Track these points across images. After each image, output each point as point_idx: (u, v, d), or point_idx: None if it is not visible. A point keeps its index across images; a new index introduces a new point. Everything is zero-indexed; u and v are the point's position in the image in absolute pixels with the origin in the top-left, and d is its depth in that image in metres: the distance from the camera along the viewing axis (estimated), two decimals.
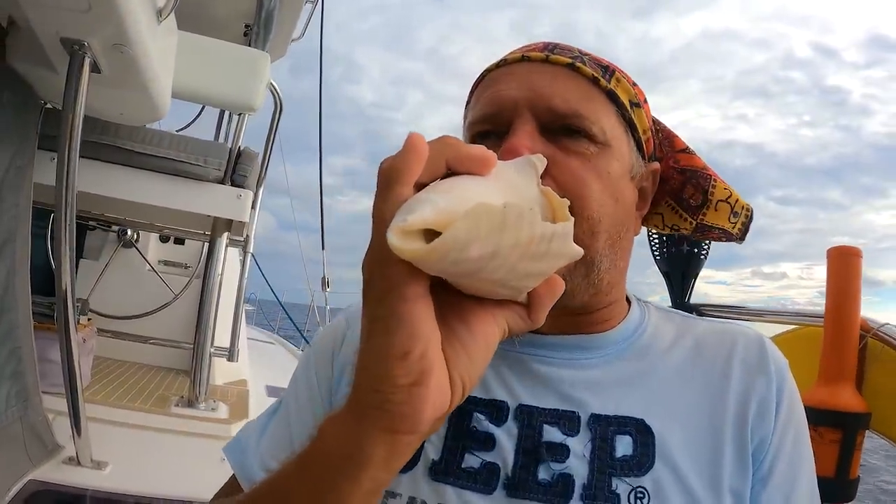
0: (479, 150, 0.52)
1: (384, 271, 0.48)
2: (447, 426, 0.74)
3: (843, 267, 1.69)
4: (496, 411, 0.74)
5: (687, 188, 0.88)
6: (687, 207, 0.89)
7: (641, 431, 0.71)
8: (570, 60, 0.76)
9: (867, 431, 1.64)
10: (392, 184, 0.48)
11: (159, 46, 1.99)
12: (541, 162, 0.59)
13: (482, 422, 0.74)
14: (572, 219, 0.52)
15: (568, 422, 0.72)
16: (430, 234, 0.44)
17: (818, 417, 1.61)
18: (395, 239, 0.43)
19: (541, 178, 0.60)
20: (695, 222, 0.89)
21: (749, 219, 0.89)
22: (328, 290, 6.95)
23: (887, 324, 1.64)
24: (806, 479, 0.74)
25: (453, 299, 0.54)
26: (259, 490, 0.61)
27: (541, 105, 0.73)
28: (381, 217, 0.47)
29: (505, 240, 0.45)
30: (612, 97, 0.77)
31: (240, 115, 3.06)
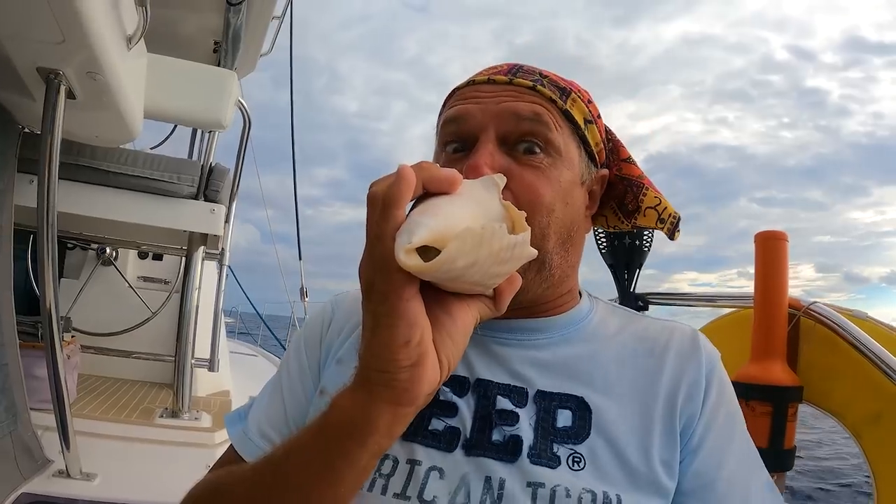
0: (447, 172, 0.64)
1: (386, 277, 0.60)
2: None
3: (770, 250, 1.79)
4: (458, 385, 0.84)
5: (628, 195, 0.99)
6: (625, 212, 1.01)
7: (580, 407, 0.81)
8: (531, 83, 0.86)
9: (802, 404, 1.74)
10: (390, 207, 0.59)
11: (130, 71, 2.07)
12: (501, 180, 0.71)
13: (447, 393, 0.83)
14: (529, 228, 0.65)
15: (517, 395, 0.83)
16: (423, 248, 0.57)
17: (749, 392, 1.71)
18: (403, 257, 0.56)
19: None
20: (630, 225, 1.02)
21: (675, 225, 1.00)
22: (307, 300, 6.98)
23: (816, 302, 1.74)
24: (738, 452, 0.84)
25: (438, 295, 0.67)
26: (275, 454, 0.73)
27: (504, 115, 0.84)
28: (382, 234, 0.59)
29: (482, 252, 0.59)
30: (567, 116, 0.88)
31: (210, 132, 3.12)
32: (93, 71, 1.83)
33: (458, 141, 0.87)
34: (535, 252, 0.66)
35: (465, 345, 0.70)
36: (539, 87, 0.86)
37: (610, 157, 0.99)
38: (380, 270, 0.61)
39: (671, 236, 1.01)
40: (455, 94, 0.92)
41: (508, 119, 0.84)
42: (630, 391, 0.83)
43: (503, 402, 0.82)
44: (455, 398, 0.84)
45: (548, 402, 0.82)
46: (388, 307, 0.61)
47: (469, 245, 0.57)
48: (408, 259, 0.56)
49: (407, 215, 0.61)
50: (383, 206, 0.60)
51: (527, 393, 0.83)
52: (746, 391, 1.70)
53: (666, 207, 0.98)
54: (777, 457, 1.69)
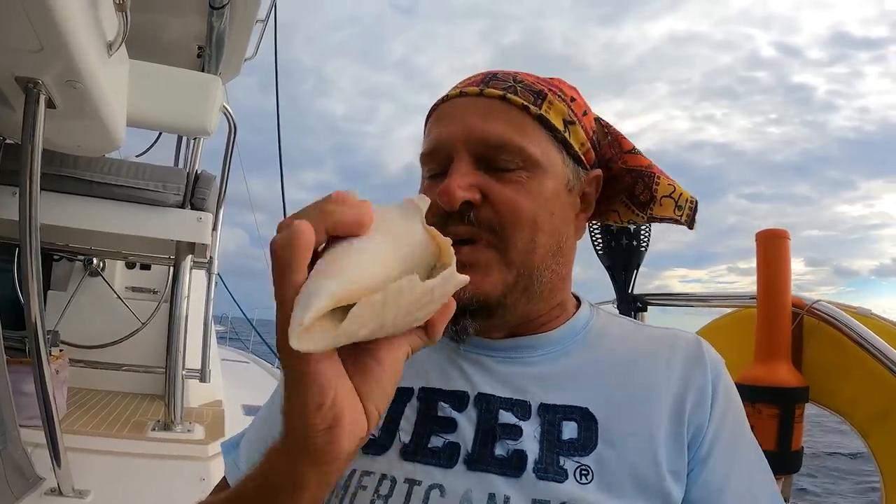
0: (353, 214, 0.55)
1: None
2: (416, 415, 0.84)
3: (772, 249, 1.76)
4: (458, 400, 0.84)
5: (638, 185, 0.97)
6: (638, 204, 0.98)
7: (586, 419, 0.79)
8: (501, 93, 0.85)
9: (809, 404, 1.71)
10: (286, 271, 0.52)
11: (111, 78, 2.02)
12: (424, 202, 0.62)
13: (445, 409, 0.83)
14: (454, 259, 0.60)
15: (520, 409, 0.81)
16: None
17: (755, 394, 1.68)
18: (295, 341, 0.49)
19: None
20: (645, 216, 1.00)
21: (693, 210, 0.98)
22: None
23: (819, 300, 1.72)
24: (746, 460, 0.83)
25: (361, 342, 0.62)
26: (229, 496, 0.70)
27: (473, 139, 0.82)
28: (283, 299, 0.53)
29: (388, 314, 0.53)
30: (542, 122, 0.85)
31: (195, 139, 3.08)
32: (72, 79, 1.79)
33: (435, 167, 0.87)
34: (465, 278, 0.60)
35: (397, 383, 0.64)
36: (510, 95, 0.85)
37: (612, 150, 0.97)
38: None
39: (690, 225, 0.99)
40: (433, 114, 0.91)
41: (476, 144, 0.83)
42: (635, 400, 0.82)
43: (506, 416, 0.81)
44: (454, 413, 0.82)
45: (552, 415, 0.80)
46: (298, 371, 0.56)
47: (368, 315, 0.52)
48: (301, 342, 0.50)
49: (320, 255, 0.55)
50: (280, 269, 0.53)
51: (530, 406, 0.82)
52: (752, 393, 1.67)
53: (682, 193, 0.97)
54: (785, 459, 1.66)
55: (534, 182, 0.82)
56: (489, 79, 0.88)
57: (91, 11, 1.74)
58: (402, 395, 0.87)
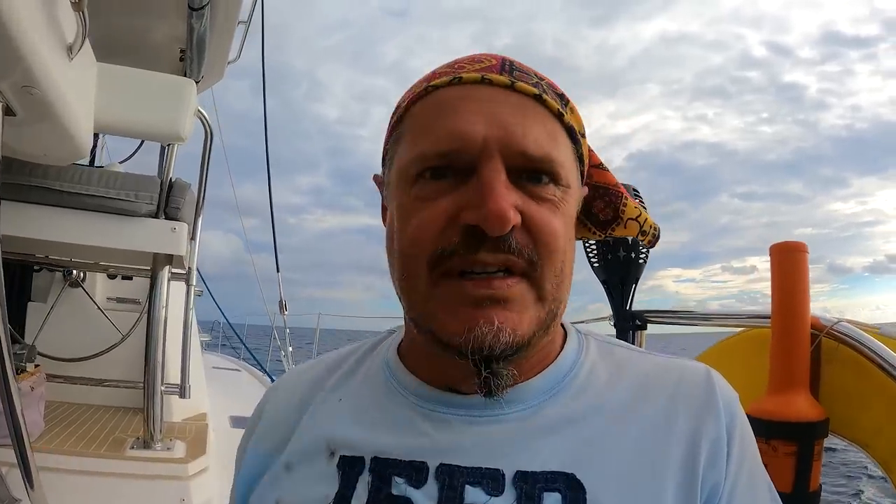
0: None
1: None
2: (367, 493, 0.71)
3: (788, 264, 1.61)
4: (415, 473, 0.70)
5: (596, 203, 0.86)
6: (596, 222, 0.88)
7: (572, 488, 0.66)
8: (536, 91, 0.71)
9: (828, 437, 1.57)
10: None
11: (73, 82, 1.92)
12: None
13: (400, 485, 0.70)
14: None
15: (491, 481, 0.68)
16: None
17: (770, 430, 1.51)
18: None
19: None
20: (603, 236, 0.89)
21: (656, 237, 0.91)
22: (286, 313, 6.94)
23: (840, 321, 1.57)
24: None
25: None
26: None
27: (513, 148, 0.68)
28: None
29: None
30: (570, 133, 0.74)
31: (169, 145, 2.99)
32: (28, 85, 1.68)
33: (446, 165, 0.70)
34: None
35: None
36: (545, 97, 0.71)
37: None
38: None
39: (651, 245, 0.93)
40: (432, 94, 0.74)
41: (516, 154, 0.68)
42: (633, 459, 0.68)
43: (473, 494, 0.67)
44: (410, 490, 0.69)
45: (531, 486, 0.66)
46: None
47: None
48: None
49: None
50: None
51: (503, 476, 0.68)
52: (767, 429, 1.51)
53: (647, 219, 0.88)
54: (802, 502, 1.52)
55: (564, 203, 0.71)
56: (511, 67, 0.72)
57: (45, 11, 1.63)
58: (353, 465, 0.73)
